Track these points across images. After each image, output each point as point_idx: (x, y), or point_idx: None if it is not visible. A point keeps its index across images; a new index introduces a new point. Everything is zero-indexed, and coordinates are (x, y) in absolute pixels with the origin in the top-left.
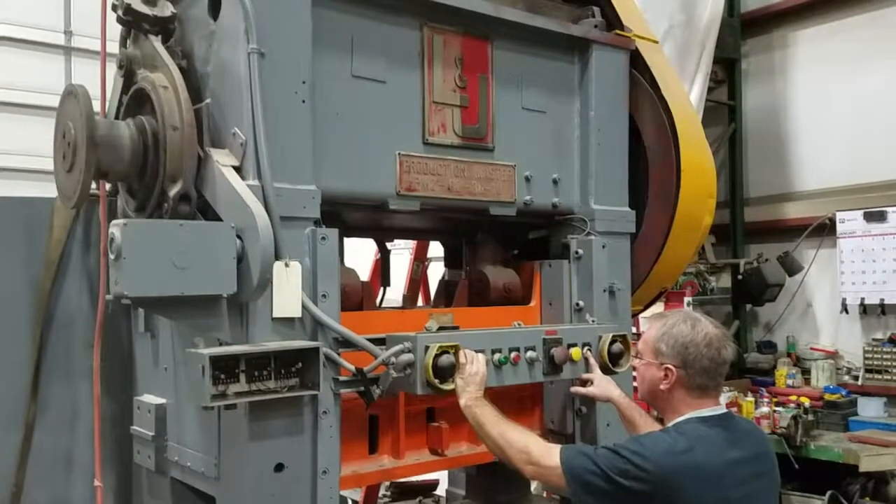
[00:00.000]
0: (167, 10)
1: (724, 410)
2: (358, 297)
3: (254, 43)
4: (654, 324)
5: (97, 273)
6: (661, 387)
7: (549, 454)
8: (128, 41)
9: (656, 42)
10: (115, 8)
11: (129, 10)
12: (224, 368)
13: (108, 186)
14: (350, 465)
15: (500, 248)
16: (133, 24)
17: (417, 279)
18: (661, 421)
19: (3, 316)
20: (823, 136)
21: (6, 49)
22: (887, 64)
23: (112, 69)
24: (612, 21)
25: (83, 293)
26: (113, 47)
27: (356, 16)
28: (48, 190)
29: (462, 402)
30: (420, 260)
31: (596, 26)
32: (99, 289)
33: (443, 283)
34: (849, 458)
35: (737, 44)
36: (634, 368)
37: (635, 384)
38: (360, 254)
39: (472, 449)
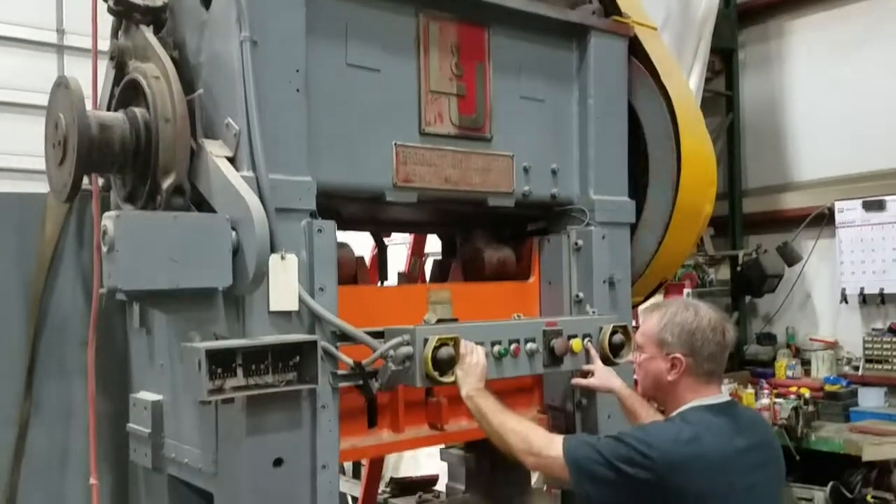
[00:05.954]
0: None
1: (728, 398)
2: (352, 270)
3: (246, 31)
4: (652, 315)
5: (91, 269)
6: (669, 378)
7: (551, 444)
8: (119, 32)
9: (655, 29)
10: None
11: (120, 0)
12: (221, 363)
13: (101, 181)
14: (349, 440)
15: (493, 232)
16: (124, 14)
17: (415, 274)
18: (662, 412)
19: None
20: (821, 126)
21: None
22: (884, 51)
23: (104, 66)
24: (610, 7)
25: (77, 290)
26: (105, 44)
27: (350, 3)
28: (42, 189)
29: (463, 392)
30: (418, 255)
31: (594, 12)
32: (93, 285)
33: (437, 265)
34: (850, 448)
35: (734, 34)
36: (634, 363)
37: (636, 376)
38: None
39: (471, 424)
